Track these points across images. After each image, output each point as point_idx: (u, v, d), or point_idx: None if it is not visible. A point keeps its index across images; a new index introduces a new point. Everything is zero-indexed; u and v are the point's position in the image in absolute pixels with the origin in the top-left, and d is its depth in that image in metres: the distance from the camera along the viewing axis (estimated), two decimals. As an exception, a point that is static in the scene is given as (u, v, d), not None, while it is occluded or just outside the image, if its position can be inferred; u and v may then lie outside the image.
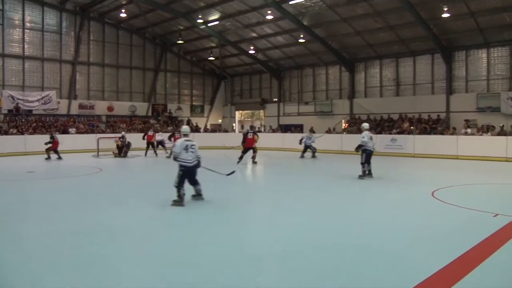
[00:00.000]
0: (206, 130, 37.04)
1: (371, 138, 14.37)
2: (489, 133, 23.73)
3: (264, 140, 29.64)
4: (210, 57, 37.49)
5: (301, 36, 29.97)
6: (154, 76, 37.85)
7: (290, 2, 26.57)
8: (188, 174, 9.64)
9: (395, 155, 24.01)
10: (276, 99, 37.65)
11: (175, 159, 9.75)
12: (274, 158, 24.04)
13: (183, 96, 40.36)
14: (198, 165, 9.82)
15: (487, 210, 8.55)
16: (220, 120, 41.78)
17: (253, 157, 19.53)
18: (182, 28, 34.10)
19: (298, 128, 32.73)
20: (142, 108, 37.09)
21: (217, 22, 31.62)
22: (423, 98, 28.76)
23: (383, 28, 27.47)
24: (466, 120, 25.81)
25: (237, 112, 41.99)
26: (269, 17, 28.27)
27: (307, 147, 23.68)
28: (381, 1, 24.80)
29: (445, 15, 23.91)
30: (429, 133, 25.45)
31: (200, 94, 41.35)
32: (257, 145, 19.85)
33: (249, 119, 42.94)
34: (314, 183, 13.82)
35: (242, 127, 41.04)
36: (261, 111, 39.84)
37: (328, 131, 29.72)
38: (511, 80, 25.91)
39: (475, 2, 23.33)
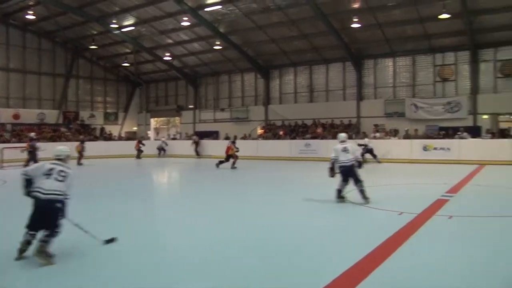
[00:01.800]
0: (120, 138, 35.97)
1: (345, 150, 10.34)
2: (396, 137, 25.08)
3: (180, 147, 29.68)
4: (124, 63, 36.59)
5: (217, 43, 30.02)
6: (65, 82, 36.30)
7: (206, 9, 26.59)
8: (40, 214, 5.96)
9: (309, 159, 24.65)
10: (192, 106, 37.41)
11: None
12: (189, 165, 23.83)
13: (96, 103, 38.99)
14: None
15: (392, 209, 8.98)
16: (135, 128, 40.75)
17: (233, 163, 20.63)
18: (95, 32, 32.98)
19: (214, 135, 32.70)
20: (52, 115, 35.31)
21: (132, 28, 30.92)
22: (335, 104, 29.86)
23: (297, 36, 28.20)
24: (375, 125, 27.16)
25: (152, 120, 41.25)
26: (185, 23, 28.00)
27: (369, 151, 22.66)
28: (295, 10, 25.46)
29: (355, 25, 25.04)
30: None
31: (114, 101, 40.16)
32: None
33: (164, 126, 42.33)
34: (230, 189, 13.83)
35: (157, 134, 40.39)
36: (177, 118, 39.41)
37: (244, 137, 29.97)
38: (414, 87, 27.61)
39: (382, 14, 24.66)
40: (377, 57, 28.76)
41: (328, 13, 24.99)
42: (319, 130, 28.27)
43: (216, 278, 5.18)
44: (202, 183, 16.71)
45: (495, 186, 13.55)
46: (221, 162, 20.82)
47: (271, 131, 29.48)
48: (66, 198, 6.13)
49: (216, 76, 36.19)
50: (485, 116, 25.50)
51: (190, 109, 37.50)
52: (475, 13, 22.75)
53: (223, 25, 28.51)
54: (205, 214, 9.37)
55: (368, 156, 21.98)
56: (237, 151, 21.04)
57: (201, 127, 35.58)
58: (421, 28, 25.17)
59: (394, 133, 25.74)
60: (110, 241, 6.65)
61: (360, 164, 10.53)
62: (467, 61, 26.04)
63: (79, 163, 23.82)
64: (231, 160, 20.68)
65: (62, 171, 6.21)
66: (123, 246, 6.54)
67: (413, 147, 22.51)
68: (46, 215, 5.91)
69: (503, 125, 25.73)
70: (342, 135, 10.93)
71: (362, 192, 9.95)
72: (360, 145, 20.58)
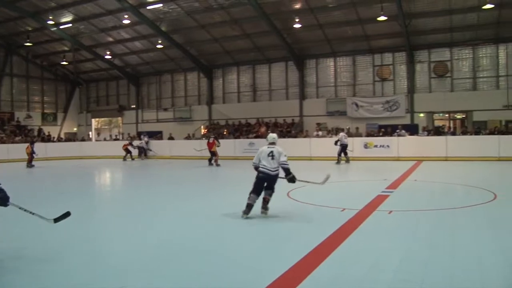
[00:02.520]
0: (59, 140, 34.75)
1: (270, 155, 8.75)
2: (337, 135, 25.55)
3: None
4: (63, 61, 35.27)
5: (159, 41, 29.67)
6: (-2, 81, 34.56)
7: (148, 7, 26.19)
8: None
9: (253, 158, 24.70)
10: (134, 106, 36.73)
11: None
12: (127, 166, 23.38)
13: (33, 103, 37.50)
14: None
15: (335, 206, 9.17)
16: (75, 129, 39.55)
17: (215, 160, 21.37)
18: (30, 29, 31.54)
19: (158, 135, 32.26)
20: (-17, 116, 33.60)
21: (70, 25, 29.91)
22: (278, 103, 30.21)
23: (240, 35, 28.29)
24: (318, 124, 27.71)
25: (93, 120, 40.13)
26: (126, 21, 27.50)
27: (344, 147, 20.94)
28: (238, 9, 25.52)
29: (297, 25, 25.45)
30: (284, 137, 26.61)
31: (53, 101, 38.81)
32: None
33: (106, 127, 41.28)
34: (173, 189, 13.68)
35: (98, 134, 39.35)
36: (119, 118, 38.54)
37: (188, 137, 29.76)
38: (354, 87, 28.35)
39: (322, 15, 25.17)
40: (319, 57, 29.35)
41: (270, 13, 25.22)
42: (263, 129, 28.46)
43: (157, 279, 5.10)
44: (140, 183, 16.38)
45: (432, 181, 14.13)
46: (210, 160, 21.63)
47: (214, 131, 29.37)
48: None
49: (158, 75, 35.74)
50: (421, 115, 26.64)
51: (133, 109, 36.85)
52: (410, 16, 23.70)
53: (165, 23, 28.16)
54: (140, 216, 9.21)
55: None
56: (219, 146, 21.56)
57: (144, 127, 35.01)
58: (360, 29, 25.92)
59: (336, 131, 26.26)
60: (62, 217, 6.13)
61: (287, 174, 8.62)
62: (404, 61, 27.12)
63: (28, 166, 22.99)
64: (214, 157, 21.23)
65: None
66: (65, 251, 6.31)
67: (354, 145, 23.07)
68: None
69: (438, 123, 26.95)
70: (272, 136, 9.21)
71: (267, 201, 8.45)
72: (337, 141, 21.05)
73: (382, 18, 23.17)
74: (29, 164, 23.04)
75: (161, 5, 25.98)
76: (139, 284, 5.02)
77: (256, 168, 8.74)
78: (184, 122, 33.41)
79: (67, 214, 6.20)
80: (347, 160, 20.98)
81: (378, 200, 10.04)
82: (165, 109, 35.02)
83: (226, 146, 26.22)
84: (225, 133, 29.60)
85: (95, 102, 39.53)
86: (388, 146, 22.80)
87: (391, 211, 8.66)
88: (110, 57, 33.68)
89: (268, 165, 8.52)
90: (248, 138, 27.41)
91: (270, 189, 8.53)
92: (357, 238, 6.76)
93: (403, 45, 26.26)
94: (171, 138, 30.28)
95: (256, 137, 27.27)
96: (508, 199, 10.10)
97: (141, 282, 5.08)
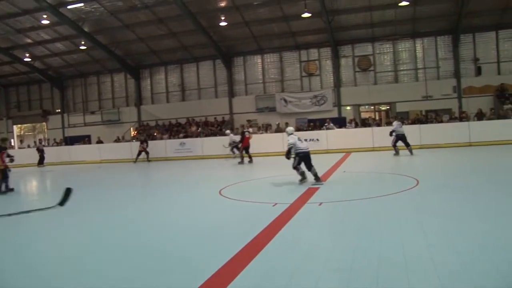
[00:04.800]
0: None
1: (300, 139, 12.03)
2: (268, 131, 25.91)
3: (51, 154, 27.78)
4: (-25, 65, 33.20)
5: (82, 42, 28.74)
6: None
7: (68, 7, 25.22)
8: None
9: (185, 158, 24.59)
10: (59, 110, 35.33)
11: None
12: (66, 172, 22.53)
13: None
14: None
15: (267, 201, 9.27)
16: (-5, 136, 37.34)
17: (249, 157, 20.26)
18: None
19: (86, 139, 31.23)
20: None
21: (-19, 25, 28.12)
22: (208, 101, 30.21)
23: (167, 35, 27.96)
24: (248, 120, 27.93)
25: (15, 127, 38.18)
26: (45, 21, 26.35)
27: (399, 138, 18.58)
28: (163, 8, 25.19)
29: (223, 23, 25.50)
30: (215, 135, 26.61)
31: (-34, 107, 36.47)
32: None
33: (30, 133, 39.43)
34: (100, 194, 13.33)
35: (21, 142, 37.46)
36: (44, 123, 36.92)
37: (117, 140, 29.06)
38: (283, 83, 28.80)
39: (248, 12, 25.36)
40: (246, 54, 29.58)
41: (196, 11, 25.10)
42: (193, 128, 28.30)
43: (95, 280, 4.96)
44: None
45: (360, 171, 14.61)
46: (242, 158, 20.34)
47: (145, 132, 28.87)
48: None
49: (83, 77, 34.60)
50: (348, 108, 27.53)
51: (58, 113, 35.41)
52: (333, 12, 24.43)
53: (87, 23, 27.26)
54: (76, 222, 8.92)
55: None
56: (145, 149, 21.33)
57: (71, 132, 33.83)
58: (286, 26, 26.37)
59: (266, 127, 26.59)
60: (65, 198, 5.50)
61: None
62: (329, 56, 27.91)
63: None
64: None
65: None
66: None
67: (284, 140, 23.37)
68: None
69: (364, 115, 27.94)
70: (291, 128, 13.16)
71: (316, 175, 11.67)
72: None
73: (306, 14, 23.71)
74: None
75: (82, 4, 25.11)
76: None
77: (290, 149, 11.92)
78: (113, 125, 32.58)
79: (68, 191, 5.53)
80: (411, 152, 18.55)
81: (309, 193, 10.25)
82: (92, 112, 33.98)
83: (157, 147, 25.84)
84: (155, 134, 29.10)
85: (16, 107, 37.53)
86: (317, 139, 23.31)
87: (321, 203, 8.86)
88: (29, 59, 32.11)
89: (303, 146, 11.89)
90: (179, 138, 27.10)
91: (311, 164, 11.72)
92: (289, 231, 6.88)
93: (328, 41, 26.99)
94: (99, 141, 29.43)
95: (186, 136, 27.04)
96: (429, 185, 10.62)
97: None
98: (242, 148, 20.19)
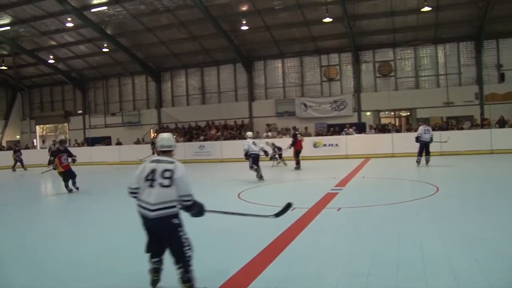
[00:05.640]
0: (1, 148, 33.40)
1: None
2: (287, 136, 25.84)
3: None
4: (2, 66, 33.73)
5: (105, 45, 29.11)
6: None
7: (92, 10, 25.57)
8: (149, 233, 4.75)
9: (204, 161, 24.69)
10: (81, 111, 35.81)
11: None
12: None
13: (-31, 110, 35.78)
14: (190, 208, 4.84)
15: (286, 205, 9.28)
16: (18, 136, 37.99)
17: (297, 162, 18.32)
18: (-37, 32, 29.97)
19: (107, 140, 31.60)
20: None
21: (8, 28, 28.56)
22: (228, 105, 30.27)
23: (188, 38, 28.15)
24: (267, 124, 27.91)
25: (38, 127, 38.78)
26: (69, 24, 26.70)
27: (424, 145, 16.75)
28: (185, 12, 25.38)
29: (244, 27, 25.56)
30: (234, 138, 26.70)
31: (-8, 108, 37.19)
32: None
33: (52, 134, 40.04)
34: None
35: (43, 142, 38.04)
36: (65, 124, 37.47)
37: (137, 142, 29.35)
38: (303, 87, 28.79)
39: (269, 17, 25.43)
40: (267, 59, 29.62)
41: (217, 15, 25.26)
42: (213, 131, 28.43)
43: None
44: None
45: (379, 177, 14.55)
46: (298, 163, 18.36)
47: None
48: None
49: (105, 79, 35.00)
50: (368, 113, 27.38)
51: (79, 114, 35.89)
52: (355, 17, 24.36)
53: (110, 26, 27.60)
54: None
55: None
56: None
57: (92, 133, 34.20)
58: (307, 30, 26.36)
59: (286, 131, 26.57)
60: (283, 211, 5.67)
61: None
62: (350, 62, 27.81)
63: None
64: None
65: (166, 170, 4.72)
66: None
67: (303, 145, 23.40)
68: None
69: (384, 121, 27.77)
70: (250, 133, 15.57)
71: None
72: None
73: (328, 19, 23.68)
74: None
75: (105, 7, 25.46)
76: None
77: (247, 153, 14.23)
78: (133, 127, 32.89)
79: (288, 206, 5.77)
80: (427, 161, 16.80)
81: (328, 198, 10.25)
82: (113, 114, 34.35)
83: (177, 150, 25.93)
84: (175, 136, 29.21)
85: (39, 108, 38.17)
86: (336, 144, 23.25)
87: (339, 208, 8.86)
88: (53, 61, 32.62)
89: (256, 149, 14.30)
90: (198, 141, 27.27)
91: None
92: (307, 236, 6.90)
93: (349, 46, 26.91)
94: (119, 143, 29.78)
95: (206, 139, 27.19)
96: (449, 192, 10.54)
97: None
98: (295, 151, 18.73)
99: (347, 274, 5.07)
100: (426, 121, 24.65)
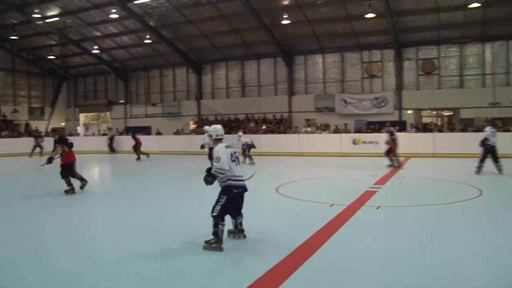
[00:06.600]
0: (47, 135, 34.36)
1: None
2: (326, 131, 25.75)
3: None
4: (50, 55, 34.74)
5: (147, 36, 29.50)
6: (-17, 74, 34.07)
7: (135, 2, 25.97)
8: (239, 198, 6.51)
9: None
10: (122, 101, 36.53)
11: (208, 179, 6.32)
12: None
13: (19, 97, 36.97)
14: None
15: (324, 201, 9.23)
16: (63, 124, 39.13)
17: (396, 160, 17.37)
18: (16, 22, 30.89)
19: (147, 130, 32.12)
20: (-31, 111, 33.06)
21: (56, 18, 29.49)
22: (267, 99, 30.25)
23: (229, 31, 28.24)
24: (307, 120, 27.80)
25: (81, 115, 39.83)
26: (114, 15, 27.28)
27: (489, 150, 14.17)
28: (226, 5, 25.46)
29: (285, 21, 25.46)
30: (273, 132, 26.70)
31: (40, 95, 38.39)
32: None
33: (94, 122, 40.99)
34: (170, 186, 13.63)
35: (87, 129, 39.05)
36: (108, 113, 38.33)
37: (177, 133, 29.71)
38: (343, 83, 28.47)
39: (311, 11, 25.20)
40: (307, 53, 29.42)
41: (259, 8, 25.21)
42: (252, 124, 28.49)
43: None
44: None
45: (419, 177, 14.28)
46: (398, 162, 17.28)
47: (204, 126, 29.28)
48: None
49: (147, 70, 35.56)
50: (409, 111, 26.85)
51: (121, 104, 36.61)
52: (398, 13, 23.84)
53: (153, 18, 27.97)
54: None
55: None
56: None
57: (133, 122, 34.84)
58: (349, 26, 26.02)
59: (325, 127, 26.43)
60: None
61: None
62: (392, 58, 27.28)
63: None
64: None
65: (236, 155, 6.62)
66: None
67: (342, 141, 23.18)
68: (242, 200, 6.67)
69: (425, 120, 27.18)
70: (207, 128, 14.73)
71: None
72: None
73: (370, 15, 23.27)
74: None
75: (149, 0, 25.83)
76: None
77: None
78: (173, 117, 33.31)
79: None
80: (500, 170, 14.07)
81: (366, 195, 10.14)
82: (154, 104, 34.87)
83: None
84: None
85: (83, 96, 39.22)
86: (376, 142, 22.85)
87: (378, 207, 8.76)
88: (98, 51, 33.40)
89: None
90: (237, 134, 27.29)
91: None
92: (345, 233, 6.86)
93: (391, 42, 26.40)
94: (158, 133, 30.25)
95: (244, 132, 27.22)
96: (494, 196, 10.27)
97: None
98: (389, 149, 17.61)
99: (385, 274, 5.02)
100: (466, 122, 24.08)
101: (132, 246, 6.34)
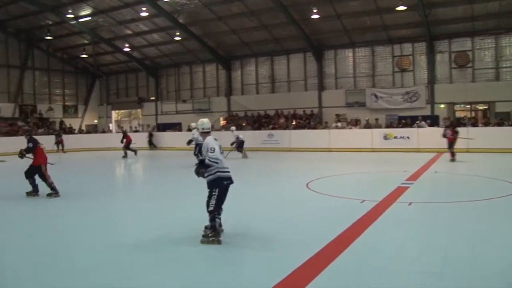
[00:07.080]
0: (81, 132, 35.15)
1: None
2: (357, 126, 25.50)
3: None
4: (82, 54, 35.42)
5: (177, 34, 29.74)
6: (21, 74, 35.01)
7: (165, 0, 26.21)
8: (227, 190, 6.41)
9: (273, 150, 24.77)
10: (153, 98, 36.99)
11: (201, 171, 6.39)
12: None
13: (54, 96, 37.92)
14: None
15: (355, 197, 9.15)
16: (96, 121, 39.94)
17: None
18: (50, 23, 31.85)
19: (177, 127, 32.43)
20: (7, 109, 33.93)
21: (89, 18, 30.12)
22: (297, 94, 30.12)
23: (258, 27, 28.21)
24: (337, 115, 27.60)
25: (113, 112, 40.52)
26: (144, 14, 27.64)
27: None
28: (255, 1, 25.44)
29: (315, 16, 25.25)
30: (303, 128, 26.59)
31: (73, 93, 39.22)
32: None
33: (126, 119, 41.65)
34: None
35: (118, 126, 39.69)
36: (139, 110, 38.87)
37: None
38: (374, 78, 28.11)
39: (340, 5, 24.95)
40: (337, 48, 29.13)
41: (288, 4, 25.09)
42: (282, 120, 28.44)
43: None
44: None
45: (452, 173, 14.03)
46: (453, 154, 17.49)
47: (234, 122, 29.41)
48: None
49: (177, 67, 35.86)
50: (442, 105, 26.28)
51: (152, 101, 37.09)
52: (430, 5, 23.32)
53: (183, 15, 28.17)
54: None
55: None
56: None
57: (163, 119, 35.25)
58: (379, 19, 25.60)
59: (355, 122, 26.16)
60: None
61: None
62: (424, 52, 26.74)
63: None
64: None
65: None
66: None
67: (373, 136, 22.93)
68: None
69: (459, 114, 26.58)
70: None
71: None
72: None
73: (402, 8, 22.83)
74: None
75: (178, -3, 26.10)
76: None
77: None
78: (203, 114, 33.44)
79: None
80: None
81: (398, 191, 10.01)
82: (184, 101, 35.17)
83: (245, 138, 26.24)
84: (244, 124, 29.53)
85: (115, 94, 39.91)
86: (408, 137, 22.58)
87: (411, 203, 8.63)
88: (129, 49, 33.85)
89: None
90: (267, 129, 27.37)
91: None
92: (377, 229, 6.78)
93: (423, 35, 25.86)
94: (189, 130, 30.43)
95: (275, 128, 27.27)
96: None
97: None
98: (449, 143, 17.65)
99: (418, 271, 4.94)
100: (501, 116, 23.42)
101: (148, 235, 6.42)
